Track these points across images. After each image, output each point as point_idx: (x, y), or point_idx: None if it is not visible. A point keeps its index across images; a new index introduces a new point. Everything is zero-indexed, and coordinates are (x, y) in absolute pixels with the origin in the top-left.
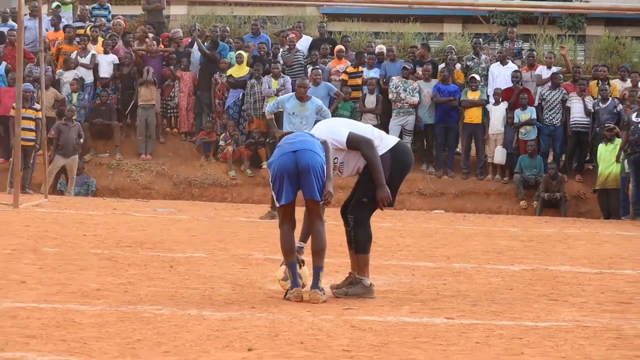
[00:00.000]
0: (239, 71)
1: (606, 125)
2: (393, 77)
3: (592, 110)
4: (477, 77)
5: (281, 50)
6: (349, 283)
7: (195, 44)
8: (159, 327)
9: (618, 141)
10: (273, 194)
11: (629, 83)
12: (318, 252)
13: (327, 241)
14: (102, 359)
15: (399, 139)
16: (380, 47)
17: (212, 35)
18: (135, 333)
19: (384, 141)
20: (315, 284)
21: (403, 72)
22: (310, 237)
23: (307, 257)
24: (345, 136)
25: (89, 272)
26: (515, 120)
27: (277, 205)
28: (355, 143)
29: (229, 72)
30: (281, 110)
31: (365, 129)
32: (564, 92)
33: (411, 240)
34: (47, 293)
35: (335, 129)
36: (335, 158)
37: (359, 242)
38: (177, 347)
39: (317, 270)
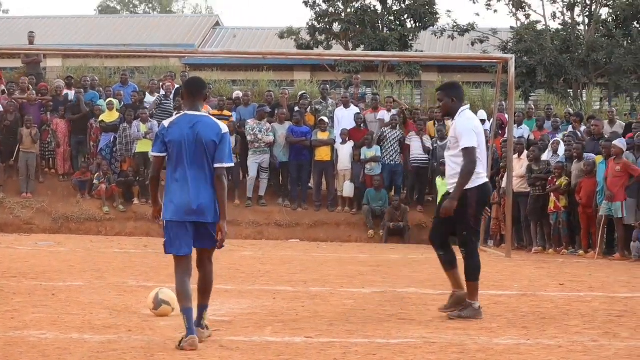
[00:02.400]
0: (110, 117)
1: (441, 160)
2: (248, 120)
3: (431, 148)
4: (326, 119)
5: (157, 96)
6: (462, 307)
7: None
8: (44, 350)
9: None
10: (166, 240)
11: None
12: (205, 291)
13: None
14: None
15: (487, 180)
16: (237, 93)
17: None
18: (22, 356)
19: (480, 175)
20: (199, 322)
21: (257, 115)
22: (199, 275)
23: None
24: (469, 144)
25: None
26: (362, 157)
27: (167, 253)
28: (468, 157)
29: (101, 117)
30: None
31: (481, 154)
32: (401, 133)
33: (271, 267)
34: None
35: (471, 132)
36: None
37: (470, 271)
38: None
39: (202, 309)
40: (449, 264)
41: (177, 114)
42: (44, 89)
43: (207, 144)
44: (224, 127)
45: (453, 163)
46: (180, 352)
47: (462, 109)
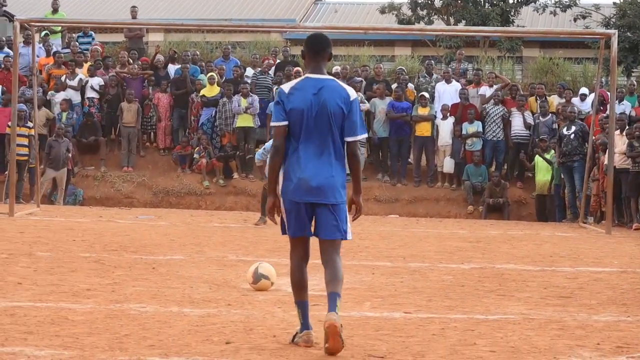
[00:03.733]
0: (211, 91)
1: (540, 137)
2: None
3: (532, 124)
4: (427, 94)
5: (253, 71)
6: None
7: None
8: (144, 323)
9: (552, 152)
10: (284, 219)
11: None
12: (334, 281)
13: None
14: (93, 353)
15: None
16: (336, 68)
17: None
18: (122, 329)
19: None
20: (333, 308)
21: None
22: (324, 268)
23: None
24: None
25: (79, 273)
26: (464, 132)
27: (285, 233)
28: None
29: (202, 92)
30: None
31: None
32: (504, 109)
33: (370, 242)
34: (41, 293)
35: None
36: None
37: None
38: (161, 341)
39: (334, 296)
40: None
41: (276, 86)
42: (146, 63)
43: (333, 112)
44: (352, 92)
45: None
46: (278, 326)
47: None
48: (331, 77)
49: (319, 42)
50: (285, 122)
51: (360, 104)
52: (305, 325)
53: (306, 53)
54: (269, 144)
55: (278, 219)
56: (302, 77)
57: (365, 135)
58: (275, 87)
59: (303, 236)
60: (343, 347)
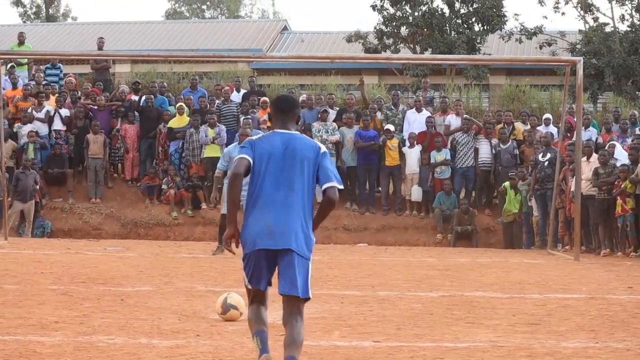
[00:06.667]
0: (180, 122)
1: (510, 174)
2: (314, 123)
3: (494, 152)
4: (392, 127)
5: (217, 102)
6: None
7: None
8: (112, 356)
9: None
10: (244, 274)
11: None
12: (292, 345)
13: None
14: None
15: None
16: (302, 97)
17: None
18: None
19: None
20: None
21: (321, 116)
22: (285, 329)
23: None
24: None
25: (47, 306)
26: (432, 160)
27: (246, 286)
28: None
29: (171, 122)
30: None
31: None
32: (473, 137)
33: (339, 271)
34: (9, 326)
35: None
36: None
37: None
38: None
39: None
40: None
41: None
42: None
43: (302, 158)
44: (322, 147)
45: None
46: (247, 356)
47: None
48: (300, 133)
49: (287, 101)
50: (250, 159)
51: (331, 136)
52: (264, 349)
53: (273, 112)
54: (226, 150)
55: (235, 249)
56: (270, 132)
57: (342, 187)
58: (242, 117)
59: (259, 290)
60: None
